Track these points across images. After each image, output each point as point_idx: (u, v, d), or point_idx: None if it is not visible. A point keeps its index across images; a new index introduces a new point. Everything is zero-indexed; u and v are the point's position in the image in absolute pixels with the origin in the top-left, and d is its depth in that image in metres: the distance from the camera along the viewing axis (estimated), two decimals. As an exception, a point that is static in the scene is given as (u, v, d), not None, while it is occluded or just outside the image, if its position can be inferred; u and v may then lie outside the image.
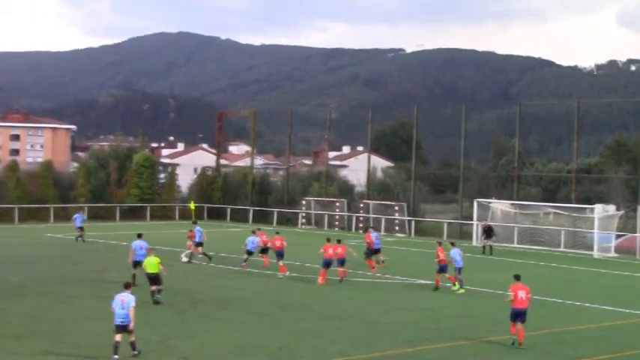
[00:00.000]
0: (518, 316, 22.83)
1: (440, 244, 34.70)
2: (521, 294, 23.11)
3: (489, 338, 23.58)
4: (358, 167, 79.29)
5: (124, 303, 19.95)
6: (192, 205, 69.49)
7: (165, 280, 28.79)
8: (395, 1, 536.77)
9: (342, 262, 34.62)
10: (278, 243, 36.79)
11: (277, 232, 39.06)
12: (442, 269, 33.35)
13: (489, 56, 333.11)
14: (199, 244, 40.32)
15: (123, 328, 19.78)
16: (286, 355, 20.70)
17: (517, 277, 23.65)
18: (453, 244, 34.53)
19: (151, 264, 28.33)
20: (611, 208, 54.51)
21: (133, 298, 20.18)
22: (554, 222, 55.86)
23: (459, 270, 33.04)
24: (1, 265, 36.81)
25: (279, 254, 36.32)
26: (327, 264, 34.21)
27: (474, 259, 46.37)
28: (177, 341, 21.85)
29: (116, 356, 19.41)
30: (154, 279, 28.12)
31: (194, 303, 28.20)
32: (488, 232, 50.67)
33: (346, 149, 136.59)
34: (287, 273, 35.64)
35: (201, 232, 40.57)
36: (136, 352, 19.93)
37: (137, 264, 31.11)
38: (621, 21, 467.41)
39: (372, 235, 40.29)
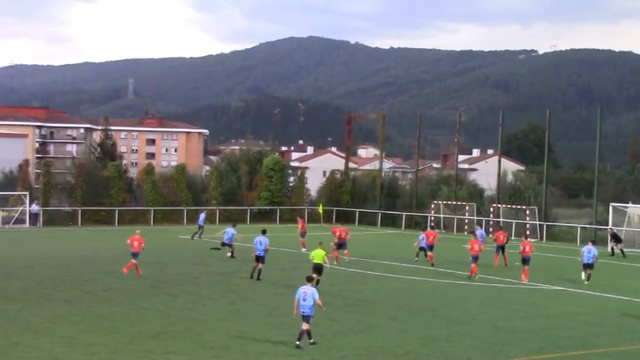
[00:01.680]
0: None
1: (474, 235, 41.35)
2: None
3: (623, 347, 22.81)
4: (488, 171, 78.29)
5: (307, 295, 21.63)
6: (320, 209, 70.16)
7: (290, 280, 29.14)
8: (526, 2, 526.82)
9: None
10: (343, 235, 40.33)
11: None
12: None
13: (627, 56, 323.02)
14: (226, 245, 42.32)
15: (306, 319, 21.57)
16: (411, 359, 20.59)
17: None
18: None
19: (318, 255, 31.53)
20: None
21: (315, 291, 21.89)
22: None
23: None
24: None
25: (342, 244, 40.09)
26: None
27: (610, 265, 45.05)
28: (305, 343, 22.00)
29: (298, 342, 21.35)
30: (319, 269, 31.02)
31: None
32: (615, 237, 49.96)
33: (476, 152, 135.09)
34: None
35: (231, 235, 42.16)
36: (312, 341, 21.65)
37: (257, 258, 33.85)
38: None
39: (478, 232, 44.22)
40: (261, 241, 34.23)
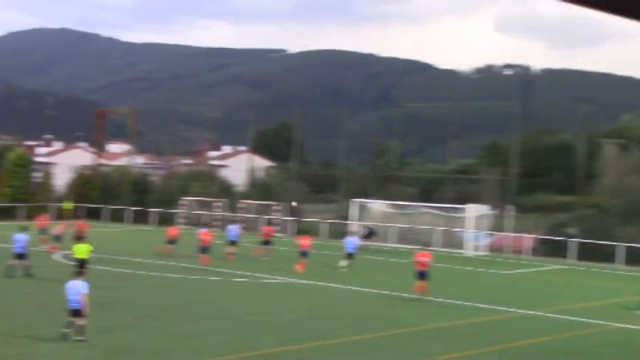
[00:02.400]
0: (421, 276, 31.33)
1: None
2: (423, 259, 31.44)
3: (364, 336, 24.06)
4: (239, 167, 79.31)
5: (75, 289, 22.08)
6: (68, 205, 68.25)
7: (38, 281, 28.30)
8: (277, 1, 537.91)
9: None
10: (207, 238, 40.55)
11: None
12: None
13: (370, 58, 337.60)
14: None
15: (77, 312, 21.72)
16: (161, 357, 20.61)
17: (424, 246, 33.00)
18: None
19: (80, 250, 32.07)
20: (484, 208, 56.35)
21: (85, 285, 22.26)
22: (430, 221, 57.30)
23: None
24: None
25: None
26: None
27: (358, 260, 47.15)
28: (45, 343, 21.44)
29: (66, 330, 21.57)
30: (82, 264, 31.02)
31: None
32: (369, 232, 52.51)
33: (227, 149, 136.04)
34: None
35: None
36: (80, 338, 21.51)
37: (18, 256, 33.31)
38: (498, 26, 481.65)
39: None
40: (19, 239, 33.55)
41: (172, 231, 45.83)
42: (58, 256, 41.28)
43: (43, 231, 45.69)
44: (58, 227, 44.10)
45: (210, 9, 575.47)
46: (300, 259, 39.70)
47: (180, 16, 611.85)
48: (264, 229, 47.30)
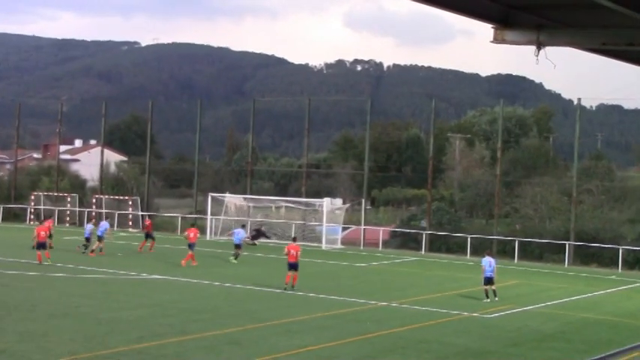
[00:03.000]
0: (291, 267, 31.95)
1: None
2: (293, 251, 32.08)
3: (220, 332, 23.98)
4: (90, 161, 77.52)
5: None
6: None
7: None
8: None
9: None
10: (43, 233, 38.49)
11: None
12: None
13: (224, 52, 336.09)
14: None
15: None
16: (7, 357, 19.89)
17: (294, 239, 35.10)
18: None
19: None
20: (338, 202, 57.25)
21: None
22: (286, 215, 57.66)
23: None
24: None
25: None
26: None
27: (211, 254, 47.00)
28: None
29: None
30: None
31: None
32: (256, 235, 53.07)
33: (78, 143, 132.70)
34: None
35: None
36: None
37: None
38: (347, 22, 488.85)
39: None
40: None
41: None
42: None
43: None
44: None
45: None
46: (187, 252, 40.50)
47: (24, 6, 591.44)
48: (147, 222, 49.04)
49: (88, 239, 43.56)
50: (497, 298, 31.33)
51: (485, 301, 31.17)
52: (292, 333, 24.26)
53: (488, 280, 31.64)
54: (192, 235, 40.53)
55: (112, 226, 57.82)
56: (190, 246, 40.33)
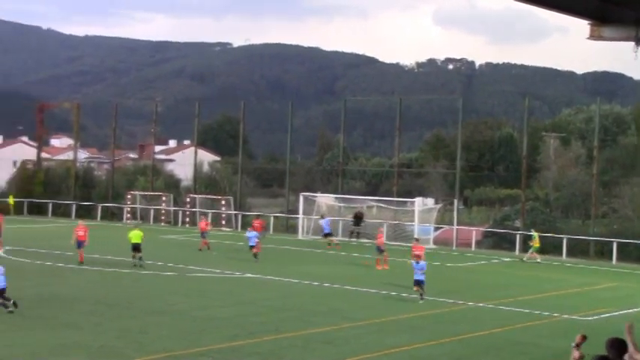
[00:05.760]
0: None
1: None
2: (418, 252, 33.17)
3: (313, 330, 24.02)
4: (185, 161, 78.75)
5: None
6: (10, 200, 67.18)
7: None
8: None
9: None
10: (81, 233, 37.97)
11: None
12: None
13: (314, 52, 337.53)
14: None
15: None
16: (108, 353, 20.32)
17: (417, 240, 35.91)
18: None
19: (136, 235, 37.01)
20: (430, 202, 56.75)
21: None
22: (377, 215, 57.45)
23: None
24: None
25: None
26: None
27: (301, 253, 47.26)
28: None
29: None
30: (137, 247, 36.76)
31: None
32: (357, 219, 53.14)
33: (172, 143, 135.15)
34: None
35: None
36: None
37: None
38: (437, 20, 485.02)
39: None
40: None
41: (202, 224, 47.47)
42: None
43: None
44: None
45: (151, 2, 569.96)
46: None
47: (120, 9, 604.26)
48: (256, 222, 48.04)
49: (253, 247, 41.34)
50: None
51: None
52: (385, 333, 24.16)
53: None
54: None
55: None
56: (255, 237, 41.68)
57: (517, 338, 24.22)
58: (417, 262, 30.03)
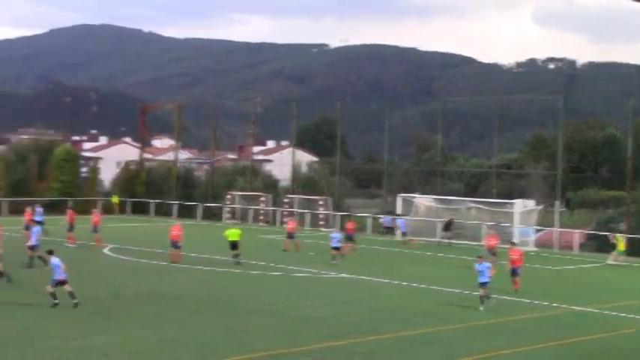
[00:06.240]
0: (514, 272, 31.92)
1: None
2: (515, 256, 32.16)
3: (412, 332, 23.90)
4: (283, 162, 79.39)
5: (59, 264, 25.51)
6: (115, 199, 68.89)
7: (87, 274, 28.66)
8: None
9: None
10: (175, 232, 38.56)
11: None
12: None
13: (412, 52, 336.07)
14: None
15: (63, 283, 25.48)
16: (211, 351, 20.63)
17: (513, 243, 35.10)
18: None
19: (233, 234, 38.09)
20: (531, 203, 55.77)
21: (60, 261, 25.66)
22: (476, 216, 56.79)
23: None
24: None
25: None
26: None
27: (395, 254, 47.11)
28: (99, 337, 21.60)
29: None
30: (235, 245, 38.05)
31: (118, 298, 27.91)
32: (448, 225, 53.12)
33: (271, 144, 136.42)
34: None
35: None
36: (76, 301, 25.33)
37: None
38: (536, 19, 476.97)
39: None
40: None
41: (289, 225, 47.37)
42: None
43: (71, 226, 45.07)
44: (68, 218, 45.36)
45: (248, 4, 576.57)
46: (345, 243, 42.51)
47: (219, 11, 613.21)
48: (349, 224, 47.51)
49: (336, 248, 40.69)
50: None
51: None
52: (486, 335, 23.87)
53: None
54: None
55: (302, 225, 59.39)
56: (349, 238, 44.35)
57: (625, 344, 23.62)
58: (480, 263, 28.78)
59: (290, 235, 46.13)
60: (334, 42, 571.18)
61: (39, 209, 47.11)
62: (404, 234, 52.87)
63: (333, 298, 30.07)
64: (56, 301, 25.26)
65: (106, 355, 19.79)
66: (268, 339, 22.19)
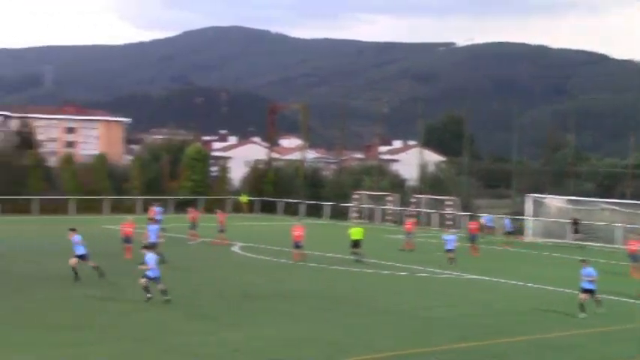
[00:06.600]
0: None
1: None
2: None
3: (545, 335, 23.32)
4: (410, 161, 79.05)
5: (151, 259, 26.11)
6: (244, 198, 70.06)
7: (216, 270, 29.16)
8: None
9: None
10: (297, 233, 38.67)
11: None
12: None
13: (542, 50, 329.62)
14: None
15: (156, 280, 25.99)
16: (337, 349, 20.66)
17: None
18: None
19: (357, 232, 38.43)
20: (669, 205, 53.58)
21: (153, 257, 26.18)
22: (609, 218, 55.00)
23: None
24: (51, 257, 36.93)
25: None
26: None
27: (528, 255, 46.16)
28: (229, 333, 21.99)
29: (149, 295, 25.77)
30: (357, 243, 38.34)
31: (247, 296, 28.33)
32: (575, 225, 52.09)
33: (398, 143, 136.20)
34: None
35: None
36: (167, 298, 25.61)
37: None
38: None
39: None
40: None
41: (408, 225, 47.22)
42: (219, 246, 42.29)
43: (193, 225, 46.00)
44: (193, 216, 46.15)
45: (374, 4, 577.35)
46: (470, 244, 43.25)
47: (345, 12, 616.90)
48: (471, 224, 47.41)
49: (451, 251, 39.72)
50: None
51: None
52: (619, 342, 23.03)
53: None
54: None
55: (428, 224, 59.02)
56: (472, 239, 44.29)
57: None
58: (585, 268, 27.09)
59: (408, 235, 46.34)
60: (460, 41, 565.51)
61: (158, 209, 48.60)
62: (509, 233, 51.80)
63: (459, 298, 29.67)
64: (149, 295, 25.85)
65: (237, 349, 20.11)
66: (394, 338, 22.08)
